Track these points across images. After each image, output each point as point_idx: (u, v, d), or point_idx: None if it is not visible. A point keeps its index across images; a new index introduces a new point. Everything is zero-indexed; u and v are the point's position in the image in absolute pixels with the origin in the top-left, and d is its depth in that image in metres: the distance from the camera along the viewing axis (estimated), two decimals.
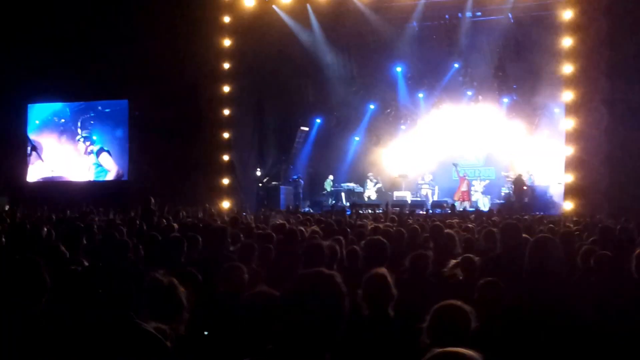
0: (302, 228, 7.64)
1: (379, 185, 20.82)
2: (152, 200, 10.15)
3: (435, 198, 20.05)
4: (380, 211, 15.64)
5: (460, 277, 4.93)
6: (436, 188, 20.50)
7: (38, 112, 21.48)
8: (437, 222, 7.75)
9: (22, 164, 21.19)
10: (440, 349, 1.84)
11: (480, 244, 6.38)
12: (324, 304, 2.08)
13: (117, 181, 20.47)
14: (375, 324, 3.58)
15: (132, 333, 2.72)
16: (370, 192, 20.71)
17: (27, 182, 21.10)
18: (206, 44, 18.52)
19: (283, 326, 2.11)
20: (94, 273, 3.01)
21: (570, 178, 15.86)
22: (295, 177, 21.13)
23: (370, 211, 16.49)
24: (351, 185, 20.90)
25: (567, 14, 16.15)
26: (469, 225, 9.25)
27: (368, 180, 20.83)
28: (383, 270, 3.77)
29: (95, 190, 19.47)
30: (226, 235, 6.44)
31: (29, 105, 21.32)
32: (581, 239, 6.78)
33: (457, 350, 1.80)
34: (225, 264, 4.44)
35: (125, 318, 2.75)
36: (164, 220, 9.67)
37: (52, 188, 20.04)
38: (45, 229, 7.03)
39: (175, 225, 8.33)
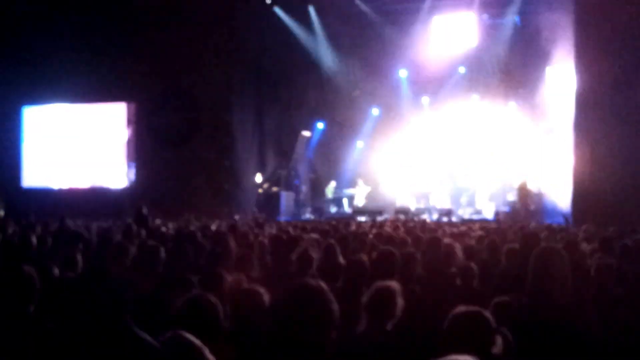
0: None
1: (368, 190, 20.36)
2: (144, 207, 10.14)
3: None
4: (383, 218, 15.43)
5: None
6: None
7: (33, 114, 21.30)
8: None
9: (17, 168, 20.94)
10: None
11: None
12: (311, 315, 2.18)
13: (116, 187, 20.32)
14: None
15: (128, 340, 2.70)
16: (359, 199, 20.32)
17: (22, 187, 20.86)
18: (207, 47, 18.43)
19: (273, 337, 2.20)
20: (88, 279, 2.98)
21: (578, 185, 15.58)
22: (296, 182, 20.88)
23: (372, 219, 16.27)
24: (353, 191, 20.61)
25: (572, 19, 16.00)
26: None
27: (357, 187, 20.38)
28: (394, 284, 3.65)
29: (93, 197, 19.33)
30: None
31: (23, 106, 21.12)
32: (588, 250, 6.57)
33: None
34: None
35: (121, 325, 2.72)
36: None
37: (49, 195, 19.87)
38: (38, 237, 6.92)
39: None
